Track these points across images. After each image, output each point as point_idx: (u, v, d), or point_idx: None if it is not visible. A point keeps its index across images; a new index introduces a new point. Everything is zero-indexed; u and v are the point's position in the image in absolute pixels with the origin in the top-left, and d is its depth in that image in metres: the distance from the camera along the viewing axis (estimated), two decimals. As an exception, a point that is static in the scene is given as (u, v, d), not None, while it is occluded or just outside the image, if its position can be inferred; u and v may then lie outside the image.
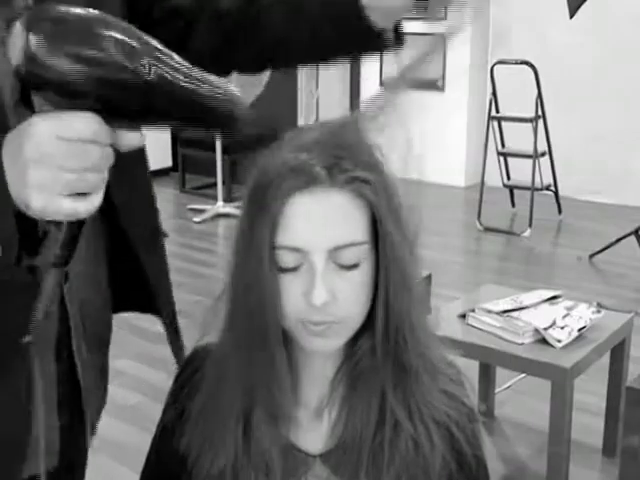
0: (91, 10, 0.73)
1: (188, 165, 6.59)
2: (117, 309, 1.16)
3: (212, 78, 0.77)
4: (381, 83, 6.90)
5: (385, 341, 0.87)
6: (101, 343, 1.12)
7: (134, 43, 0.72)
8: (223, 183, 5.90)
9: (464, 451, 0.94)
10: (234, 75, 1.12)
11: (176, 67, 0.74)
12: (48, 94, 0.72)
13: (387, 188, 0.85)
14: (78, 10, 0.72)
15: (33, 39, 0.69)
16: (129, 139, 0.75)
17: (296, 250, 0.82)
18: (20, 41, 0.69)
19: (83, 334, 1.03)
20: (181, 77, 0.74)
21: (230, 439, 0.90)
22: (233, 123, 0.79)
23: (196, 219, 5.64)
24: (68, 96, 0.71)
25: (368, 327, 0.88)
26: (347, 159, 0.83)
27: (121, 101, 0.73)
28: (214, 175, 6.00)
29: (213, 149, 5.99)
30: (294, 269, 0.84)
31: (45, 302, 0.82)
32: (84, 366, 1.03)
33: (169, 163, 6.99)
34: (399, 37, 1.03)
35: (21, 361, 0.89)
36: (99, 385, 1.11)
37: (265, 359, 0.87)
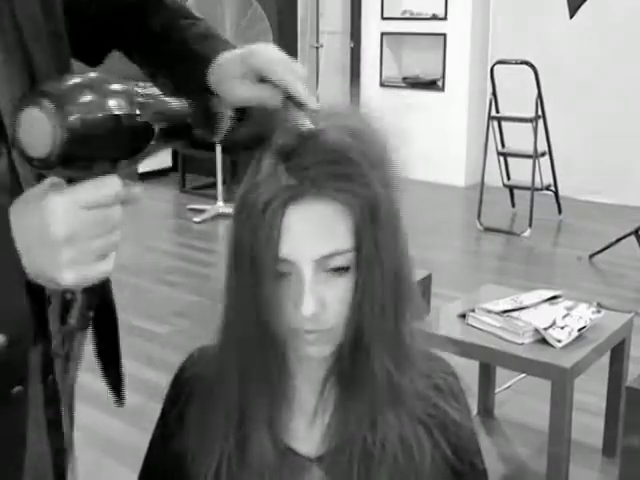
0: (95, 73, 0.72)
1: (188, 165, 6.59)
2: None
3: (169, 99, 0.80)
4: (381, 84, 6.91)
5: (370, 344, 0.87)
6: (73, 363, 1.11)
7: (137, 94, 0.73)
8: (223, 183, 5.89)
9: (458, 458, 0.94)
10: None
11: (160, 100, 0.77)
12: (68, 170, 0.70)
13: (374, 196, 0.83)
14: (91, 75, 0.71)
15: (70, 120, 0.66)
16: (135, 192, 0.75)
17: (284, 261, 0.83)
18: (49, 126, 0.66)
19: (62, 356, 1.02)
20: (167, 107, 0.77)
21: (228, 443, 0.90)
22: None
23: (196, 219, 5.64)
24: (95, 166, 0.70)
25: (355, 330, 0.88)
26: (334, 168, 0.82)
27: (133, 149, 0.74)
28: (214, 175, 6.00)
29: (213, 149, 5.99)
30: (285, 276, 0.84)
31: (76, 364, 0.80)
32: (64, 388, 1.02)
33: (169, 163, 6.99)
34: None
35: (12, 407, 0.87)
36: (72, 407, 1.09)
37: (262, 364, 0.88)
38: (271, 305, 0.84)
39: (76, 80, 0.70)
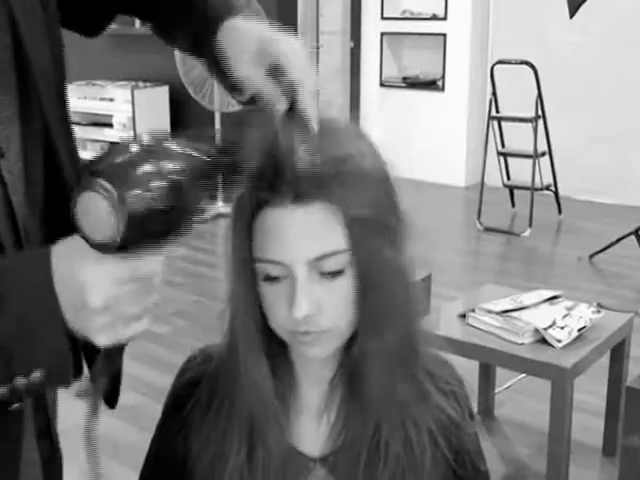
0: (137, 147, 0.68)
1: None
2: None
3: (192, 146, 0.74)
4: (381, 84, 6.91)
5: (375, 346, 0.87)
6: None
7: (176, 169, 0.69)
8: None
9: (460, 461, 0.95)
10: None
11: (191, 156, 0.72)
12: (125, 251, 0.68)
13: (366, 195, 0.83)
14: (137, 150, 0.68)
15: (131, 204, 0.64)
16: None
17: (277, 264, 0.82)
18: (110, 213, 0.64)
19: None
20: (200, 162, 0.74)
21: (233, 443, 0.90)
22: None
23: (196, 219, 5.63)
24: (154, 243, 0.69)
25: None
26: (324, 169, 0.81)
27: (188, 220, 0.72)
28: (214, 175, 6.00)
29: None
30: (279, 279, 0.83)
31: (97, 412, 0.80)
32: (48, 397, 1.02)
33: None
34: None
35: (10, 420, 0.86)
36: (55, 416, 1.08)
37: (265, 365, 0.88)
38: (267, 308, 0.85)
39: (128, 156, 0.66)
